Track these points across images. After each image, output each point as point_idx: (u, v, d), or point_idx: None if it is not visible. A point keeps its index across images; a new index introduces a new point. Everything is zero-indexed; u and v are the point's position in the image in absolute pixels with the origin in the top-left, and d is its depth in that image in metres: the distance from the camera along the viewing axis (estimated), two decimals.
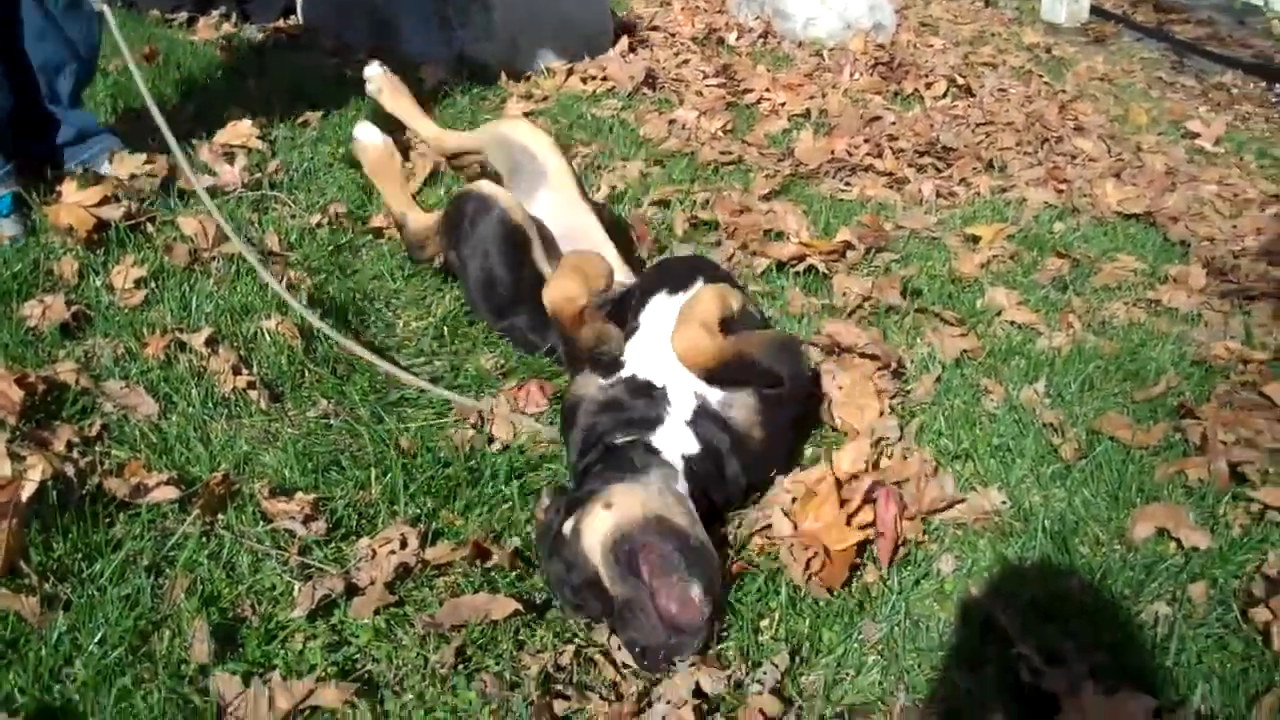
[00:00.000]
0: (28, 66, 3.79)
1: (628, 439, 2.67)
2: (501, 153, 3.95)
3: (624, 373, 2.88)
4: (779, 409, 2.87)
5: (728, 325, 2.84)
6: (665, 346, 2.83)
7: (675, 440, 2.69)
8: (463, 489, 2.73)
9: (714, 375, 2.78)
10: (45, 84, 3.86)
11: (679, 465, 2.62)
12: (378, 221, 4.08)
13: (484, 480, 2.77)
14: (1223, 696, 2.36)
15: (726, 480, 2.73)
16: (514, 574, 2.47)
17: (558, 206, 3.63)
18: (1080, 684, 2.28)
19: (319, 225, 3.98)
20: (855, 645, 2.42)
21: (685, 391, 2.79)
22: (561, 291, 2.91)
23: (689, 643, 2.23)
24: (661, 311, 3.00)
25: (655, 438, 2.68)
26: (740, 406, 2.79)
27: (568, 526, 2.39)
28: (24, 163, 3.78)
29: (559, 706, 2.14)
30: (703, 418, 2.76)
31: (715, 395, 2.79)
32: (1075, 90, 7.76)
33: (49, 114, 3.92)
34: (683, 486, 2.56)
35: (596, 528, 2.32)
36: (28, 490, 2.32)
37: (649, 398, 2.79)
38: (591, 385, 2.88)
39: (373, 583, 2.34)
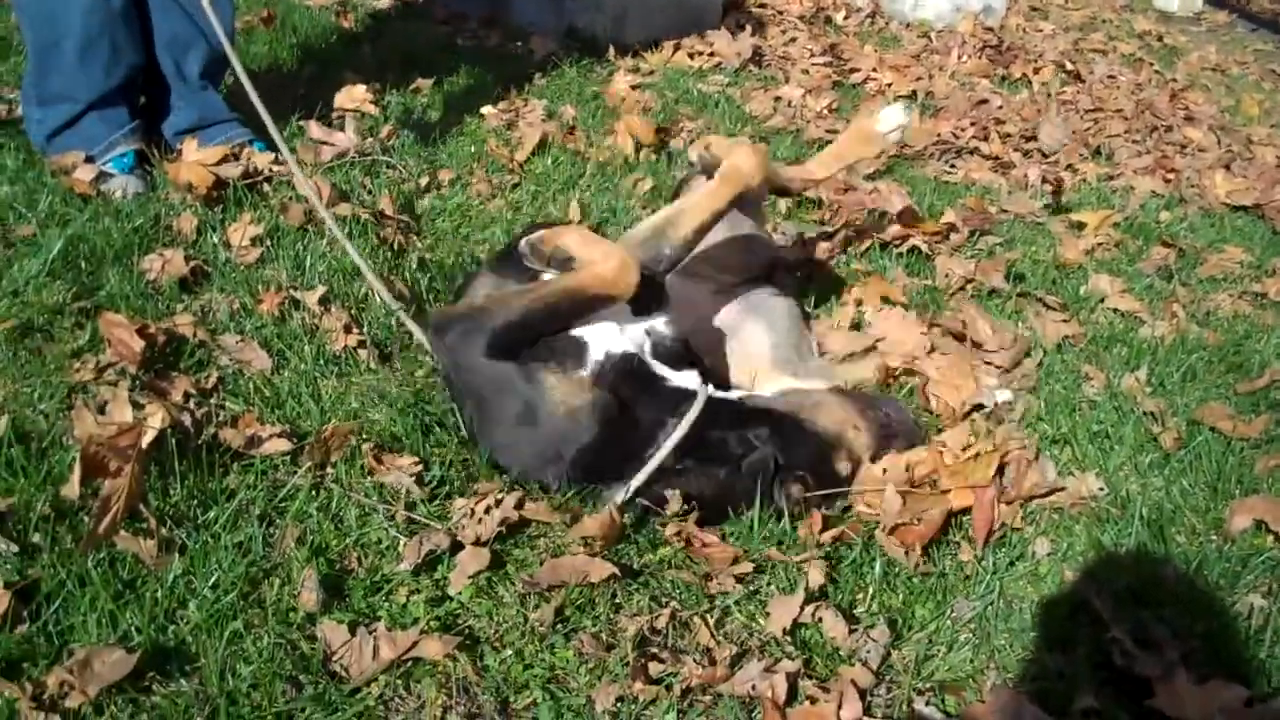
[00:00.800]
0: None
1: None
2: None
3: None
4: None
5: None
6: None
7: None
8: None
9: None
10: (172, 61, 3.89)
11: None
12: (482, 186, 4.13)
13: None
14: None
15: None
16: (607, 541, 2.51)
17: None
18: (1173, 670, 2.28)
19: (427, 189, 4.05)
20: (948, 623, 2.44)
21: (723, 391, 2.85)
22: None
23: None
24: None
25: None
26: None
27: None
28: (149, 122, 3.88)
29: (654, 668, 2.18)
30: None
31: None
32: (1186, 79, 7.66)
33: (166, 91, 3.98)
34: None
35: None
36: (148, 437, 2.40)
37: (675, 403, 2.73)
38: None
39: (477, 540, 2.40)
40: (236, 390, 2.82)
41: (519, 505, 2.50)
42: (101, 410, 2.56)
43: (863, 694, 2.18)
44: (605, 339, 2.64)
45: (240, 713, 1.98)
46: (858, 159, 3.74)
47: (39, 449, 2.46)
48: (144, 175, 3.70)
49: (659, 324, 2.78)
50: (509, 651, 2.20)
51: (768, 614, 2.37)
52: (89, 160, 3.64)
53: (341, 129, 4.32)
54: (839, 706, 2.12)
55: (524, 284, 2.72)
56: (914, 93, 6.15)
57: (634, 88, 5.57)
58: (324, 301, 3.19)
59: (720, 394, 2.77)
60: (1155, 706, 2.22)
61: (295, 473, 2.51)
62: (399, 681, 2.10)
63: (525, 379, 2.56)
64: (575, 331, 2.63)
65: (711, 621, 2.33)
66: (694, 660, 2.22)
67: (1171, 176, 5.43)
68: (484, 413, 2.65)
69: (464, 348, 2.60)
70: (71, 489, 2.29)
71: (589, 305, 2.62)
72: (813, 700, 2.15)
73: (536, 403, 2.55)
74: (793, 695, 2.14)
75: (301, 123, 4.30)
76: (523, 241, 2.73)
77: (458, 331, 2.62)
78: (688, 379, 2.72)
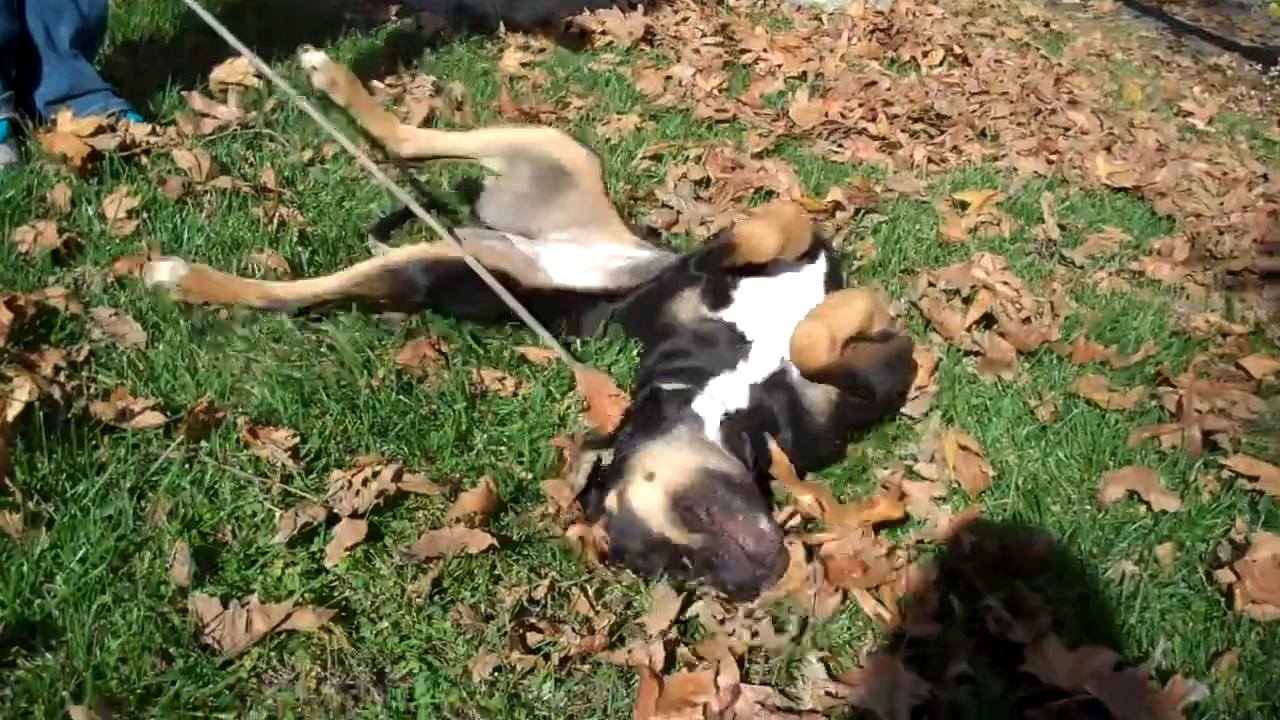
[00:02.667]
0: None
1: (674, 388, 2.72)
2: (516, 163, 3.58)
3: (727, 312, 2.93)
4: (855, 410, 2.89)
5: (853, 339, 2.83)
6: (780, 313, 2.86)
7: (727, 394, 2.72)
8: (437, 431, 2.76)
9: (811, 377, 2.78)
10: (43, 28, 3.78)
11: (714, 418, 2.65)
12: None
13: (452, 421, 2.79)
14: (1183, 654, 2.41)
15: (767, 444, 2.71)
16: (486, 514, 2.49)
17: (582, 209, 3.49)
18: (1044, 636, 2.33)
19: (311, 163, 3.99)
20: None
21: (771, 355, 2.82)
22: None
23: (773, 567, 2.32)
24: (790, 278, 3.04)
25: (704, 391, 2.72)
26: (820, 391, 2.81)
27: (611, 501, 2.44)
28: (22, 93, 3.79)
29: (532, 638, 2.18)
30: (775, 386, 2.79)
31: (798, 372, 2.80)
32: (1071, 64, 7.77)
33: (37, 60, 3.86)
34: (713, 436, 2.60)
35: (646, 497, 2.37)
36: (13, 410, 2.34)
37: (732, 345, 2.84)
38: (689, 306, 2.96)
39: (354, 512, 2.37)
40: (109, 363, 2.77)
41: (397, 477, 2.47)
42: None
43: (740, 660, 2.19)
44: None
45: (108, 686, 1.95)
46: None
47: None
48: (16, 146, 3.60)
49: None
50: (385, 623, 2.19)
51: (647, 582, 2.37)
52: None
53: (224, 102, 4.24)
54: (716, 674, 2.13)
55: None
56: (804, 73, 6.17)
57: (524, 65, 5.54)
58: None
59: None
60: (1027, 671, 2.26)
61: (168, 446, 2.46)
62: (273, 654, 2.08)
63: None
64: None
65: (591, 591, 2.33)
66: (573, 630, 2.22)
67: (1054, 158, 5.51)
68: None
69: None
70: None
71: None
72: (690, 667, 2.16)
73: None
74: (670, 663, 2.15)
75: (183, 94, 4.21)
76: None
77: None
78: None
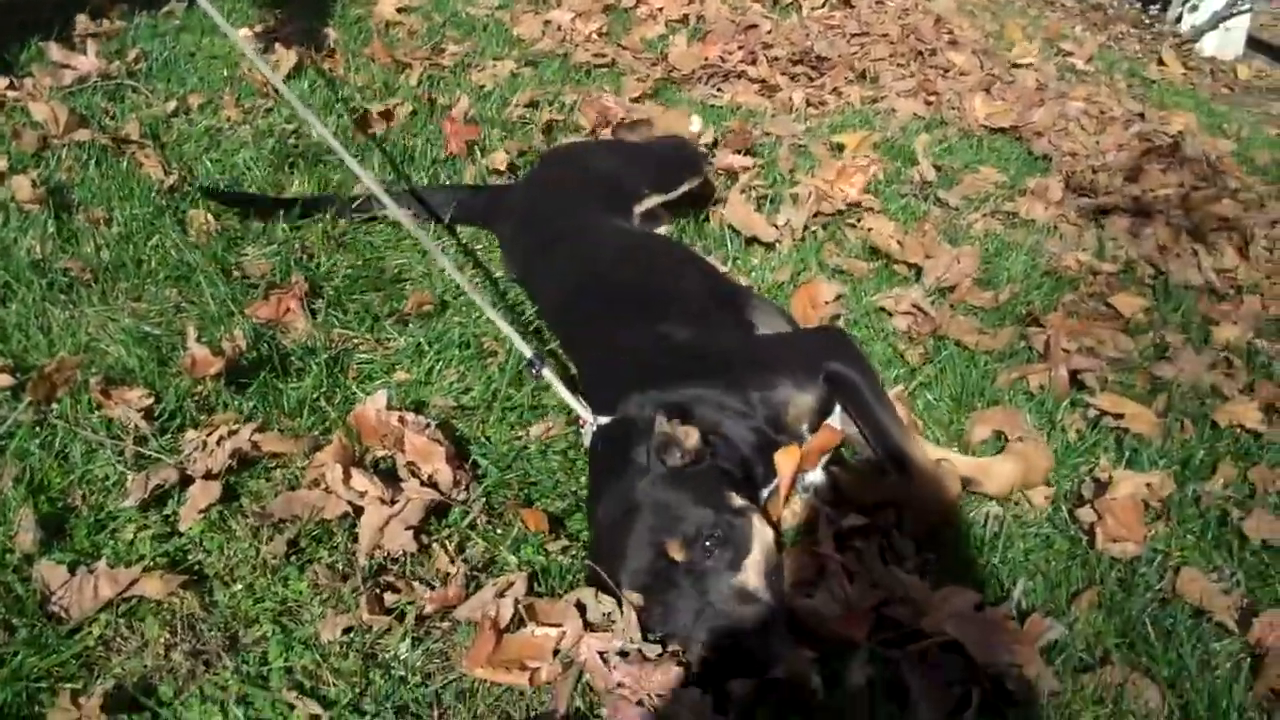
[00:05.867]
0: None
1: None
2: None
3: None
4: None
5: None
6: None
7: None
8: (292, 391, 2.71)
9: None
10: None
11: None
12: (233, 111, 4.00)
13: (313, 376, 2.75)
14: (1044, 593, 2.44)
15: None
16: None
17: None
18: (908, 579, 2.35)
19: (175, 114, 3.90)
20: None
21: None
22: None
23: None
24: None
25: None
26: None
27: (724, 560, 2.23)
28: None
29: (389, 598, 2.15)
30: None
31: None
32: (954, 5, 7.78)
33: None
34: None
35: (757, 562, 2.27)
36: None
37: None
38: None
39: (208, 473, 2.33)
40: None
41: (255, 434, 2.43)
42: None
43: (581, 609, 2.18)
44: None
45: None
46: None
47: None
48: None
49: None
50: (239, 586, 2.15)
51: (508, 539, 2.36)
52: None
53: (84, 52, 4.12)
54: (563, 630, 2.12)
55: None
56: (685, 17, 6.13)
57: (400, 10, 5.45)
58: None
59: None
60: (889, 615, 2.28)
61: (16, 409, 2.40)
62: (121, 620, 2.04)
63: None
64: None
65: (451, 547, 2.30)
66: (429, 585, 2.19)
67: (933, 99, 5.53)
68: None
69: None
70: None
71: None
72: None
73: None
74: (519, 623, 2.12)
75: (41, 44, 4.09)
76: None
77: None
78: None
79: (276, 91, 4.19)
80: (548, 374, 2.61)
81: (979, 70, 6.18)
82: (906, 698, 2.12)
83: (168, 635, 2.02)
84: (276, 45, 4.60)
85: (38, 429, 2.39)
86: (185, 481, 2.31)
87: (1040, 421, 3.05)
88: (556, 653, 2.06)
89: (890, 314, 3.42)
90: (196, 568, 2.17)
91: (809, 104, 5.18)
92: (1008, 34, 7.39)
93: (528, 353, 2.65)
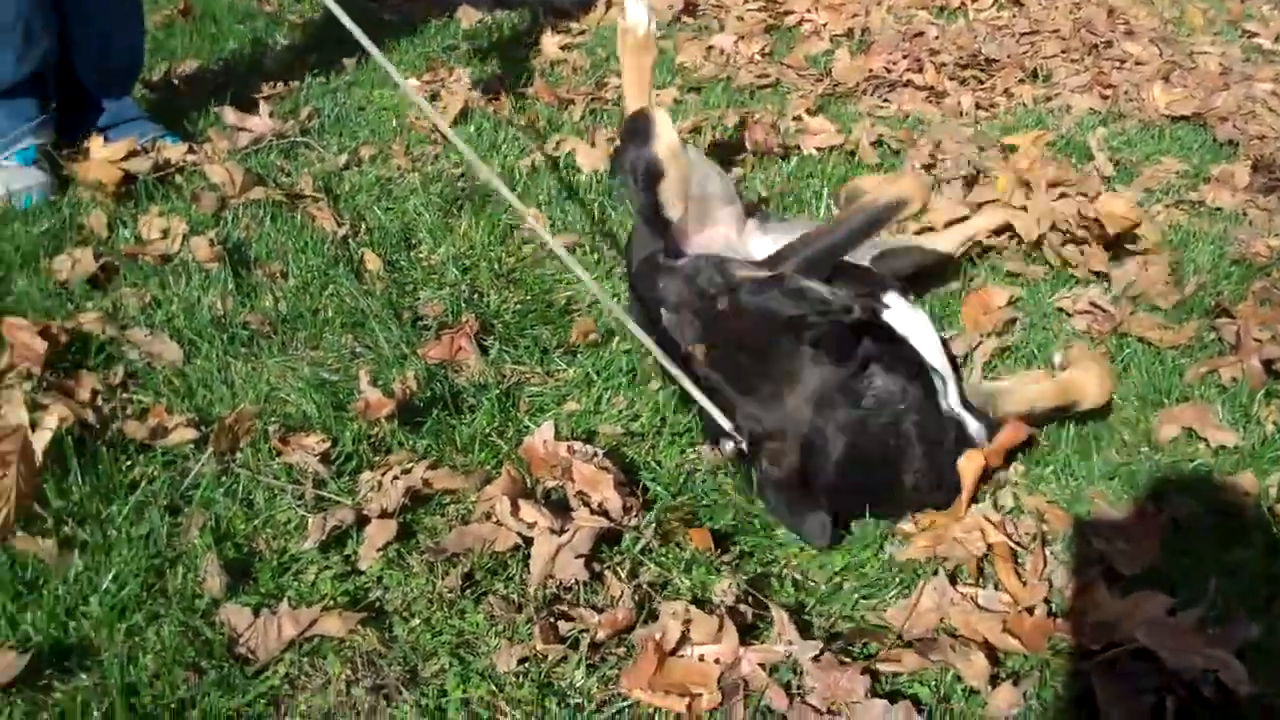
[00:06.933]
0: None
1: None
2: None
3: None
4: None
5: None
6: None
7: None
8: (465, 428, 2.75)
9: None
10: (85, 62, 3.86)
11: None
12: (402, 160, 4.10)
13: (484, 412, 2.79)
14: (1239, 593, 2.34)
15: None
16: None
17: None
18: (1094, 584, 2.28)
19: (346, 167, 4.01)
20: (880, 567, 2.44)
21: None
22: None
23: None
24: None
25: None
26: None
27: None
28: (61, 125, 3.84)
29: (563, 627, 2.16)
30: None
31: None
32: None
33: (85, 90, 3.94)
34: None
35: None
36: (44, 438, 2.37)
37: None
38: None
39: (383, 512, 2.38)
40: (146, 384, 2.80)
41: (428, 472, 2.48)
42: None
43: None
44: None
45: (141, 703, 1.96)
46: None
47: None
48: (50, 172, 3.67)
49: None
50: (417, 620, 2.18)
51: (680, 562, 2.35)
52: None
53: (258, 114, 4.27)
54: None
55: None
56: (849, 30, 6.09)
57: (563, 48, 5.52)
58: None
59: None
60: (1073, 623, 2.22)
61: (201, 460, 2.48)
62: (304, 659, 2.08)
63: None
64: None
65: (624, 572, 2.31)
66: (601, 611, 2.20)
67: (1109, 92, 5.38)
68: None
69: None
70: None
71: (886, 214, 2.85)
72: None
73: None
74: (683, 640, 2.12)
75: (216, 110, 4.25)
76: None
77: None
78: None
79: (444, 137, 4.29)
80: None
81: (1157, 58, 5.99)
82: (1095, 709, 2.06)
83: (349, 672, 2.06)
84: (443, 92, 4.70)
85: (222, 478, 2.47)
86: (362, 521, 2.36)
87: (1235, 416, 2.94)
88: (720, 679, 2.04)
89: (1069, 314, 3.33)
90: (376, 604, 2.22)
91: (979, 107, 5.09)
92: (1188, 19, 7.15)
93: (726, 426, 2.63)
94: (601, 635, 2.14)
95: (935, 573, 2.35)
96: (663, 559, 2.37)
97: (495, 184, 2.93)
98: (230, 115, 4.20)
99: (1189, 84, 5.61)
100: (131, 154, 3.69)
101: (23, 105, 3.67)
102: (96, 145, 3.69)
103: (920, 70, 5.46)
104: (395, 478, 2.44)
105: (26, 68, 3.62)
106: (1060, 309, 3.36)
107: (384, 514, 2.37)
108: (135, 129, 3.92)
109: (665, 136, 3.27)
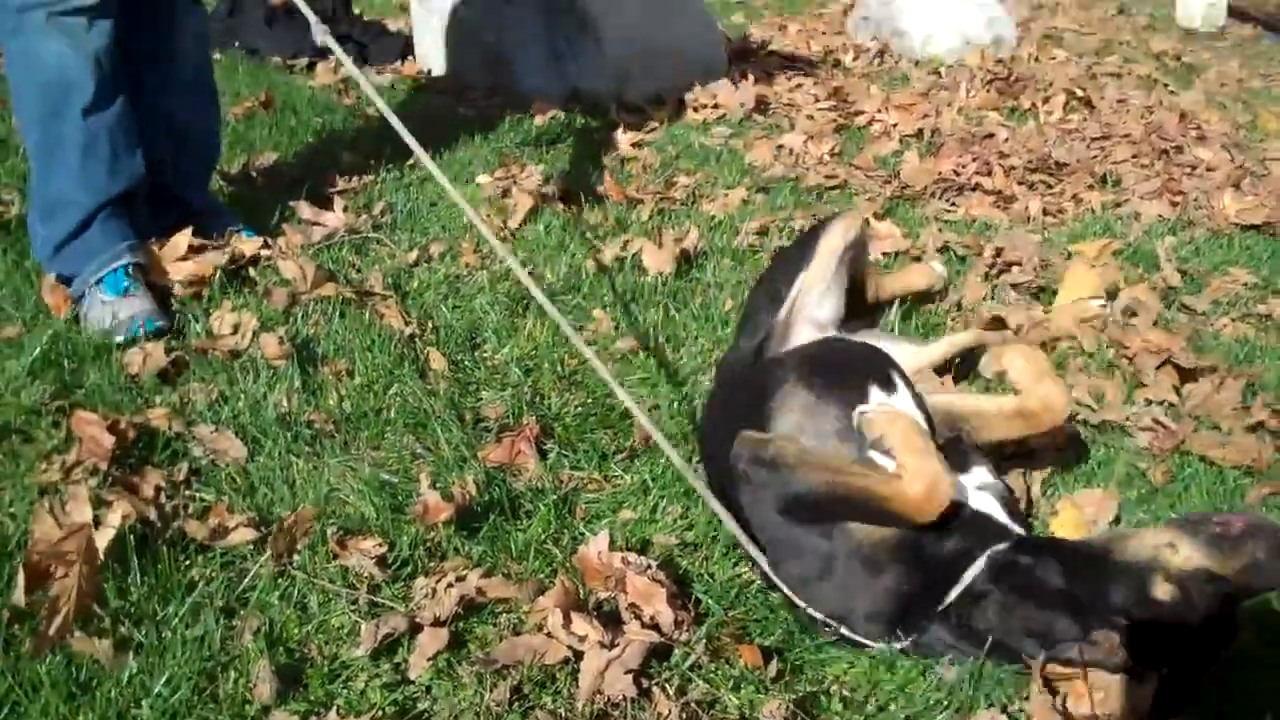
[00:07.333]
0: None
1: None
2: None
3: None
4: None
5: None
6: None
7: None
8: (520, 534, 2.76)
9: None
10: (166, 166, 3.88)
11: None
12: (471, 258, 4.15)
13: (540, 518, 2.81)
14: None
15: None
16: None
17: None
18: None
19: (416, 264, 4.06)
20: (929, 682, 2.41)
21: None
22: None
23: None
24: None
25: None
26: None
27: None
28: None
29: None
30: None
31: None
32: (1202, 98, 7.56)
33: (171, 192, 3.97)
34: None
35: None
36: (106, 536, 2.41)
37: None
38: None
39: (435, 620, 2.39)
40: (209, 481, 2.84)
41: (482, 580, 2.49)
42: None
43: None
44: None
45: None
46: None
47: (4, 553, 2.47)
48: (149, 296, 3.61)
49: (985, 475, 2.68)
50: None
51: (729, 680, 2.34)
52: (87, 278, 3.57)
53: (332, 209, 4.34)
54: None
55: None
56: (920, 131, 6.11)
57: (635, 145, 5.59)
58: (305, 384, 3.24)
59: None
60: None
61: (258, 562, 2.51)
62: None
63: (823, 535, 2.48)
64: None
65: (672, 689, 2.30)
66: None
67: (1179, 199, 5.35)
68: (776, 555, 2.57)
69: (760, 498, 2.55)
70: (18, 595, 2.29)
71: (889, 518, 2.44)
72: None
73: (834, 554, 2.46)
74: None
75: (291, 204, 4.32)
76: (856, 411, 2.60)
77: (758, 478, 2.53)
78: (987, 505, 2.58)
79: (513, 234, 4.35)
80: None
81: (1228, 164, 5.96)
82: None
83: None
84: (514, 189, 4.76)
85: (278, 580, 2.49)
86: (415, 629, 2.37)
87: None
88: None
89: (1129, 433, 3.30)
90: (423, 716, 2.22)
91: (1046, 213, 5.08)
92: (1261, 124, 7.13)
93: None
94: None
95: (989, 704, 2.32)
96: (712, 675, 2.35)
97: (432, 169, 2.95)
98: (305, 210, 4.27)
99: (1260, 192, 5.57)
100: (205, 248, 3.75)
101: (114, 226, 3.64)
102: (182, 241, 3.73)
103: (989, 174, 5.47)
104: (449, 585, 2.45)
105: (119, 184, 3.61)
106: (1122, 426, 3.33)
107: (436, 622, 2.38)
108: (215, 224, 3.98)
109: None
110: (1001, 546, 2.44)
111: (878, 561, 2.43)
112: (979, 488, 2.62)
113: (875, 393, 2.70)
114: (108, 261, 3.55)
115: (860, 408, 2.60)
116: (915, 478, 2.40)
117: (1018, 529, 2.55)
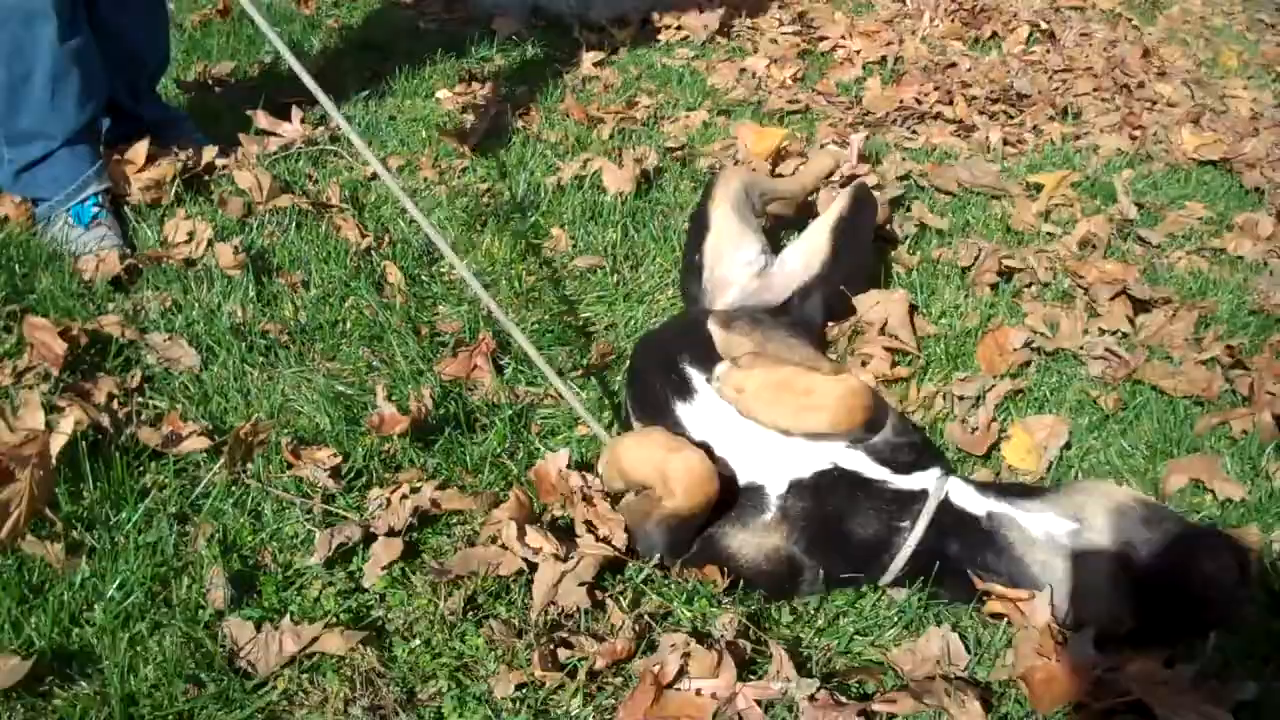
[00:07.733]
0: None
1: None
2: None
3: None
4: None
5: None
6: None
7: None
8: (476, 448, 2.77)
9: None
10: (123, 83, 3.81)
11: None
12: (429, 172, 4.12)
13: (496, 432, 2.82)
14: (1238, 650, 2.34)
15: None
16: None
17: None
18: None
19: (374, 177, 4.02)
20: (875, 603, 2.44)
21: None
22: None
23: None
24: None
25: None
26: None
27: None
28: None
29: (562, 654, 2.17)
30: None
31: None
32: (1165, 34, 7.55)
33: (123, 110, 3.88)
34: None
35: None
36: (59, 441, 2.39)
37: None
38: None
39: (390, 530, 2.39)
40: (162, 389, 2.82)
41: (437, 492, 2.50)
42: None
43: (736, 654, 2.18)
44: (785, 470, 2.45)
45: (140, 713, 1.98)
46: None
47: None
48: (108, 218, 3.52)
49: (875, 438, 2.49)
50: (418, 641, 2.20)
51: (683, 594, 2.36)
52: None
53: (289, 120, 4.28)
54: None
55: None
56: (883, 58, 6.08)
57: (596, 65, 5.52)
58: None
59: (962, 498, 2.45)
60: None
61: (212, 470, 2.50)
62: (303, 676, 2.10)
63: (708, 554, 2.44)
64: (745, 478, 2.47)
65: (625, 602, 2.31)
66: (600, 640, 2.21)
67: (1138, 133, 5.36)
68: None
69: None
70: None
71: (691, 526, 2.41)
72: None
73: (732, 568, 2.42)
74: (681, 673, 2.13)
75: (250, 112, 4.26)
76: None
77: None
78: (917, 480, 2.46)
79: (473, 151, 4.30)
80: None
81: (1189, 100, 5.98)
82: None
83: (348, 690, 2.08)
84: (474, 106, 4.72)
85: (232, 488, 2.49)
86: (369, 538, 2.38)
87: (1243, 469, 2.93)
88: (716, 714, 2.05)
89: (1083, 361, 3.33)
90: (377, 623, 2.24)
91: (1006, 143, 5.07)
92: (1222, 61, 7.13)
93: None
94: (600, 664, 2.15)
95: (939, 622, 2.35)
96: (665, 589, 2.37)
97: (323, 101, 2.92)
98: (262, 119, 4.21)
99: (1218, 128, 5.60)
100: (160, 156, 3.70)
101: (84, 151, 3.55)
102: (139, 153, 3.67)
103: (950, 103, 5.46)
104: (404, 496, 2.46)
105: (87, 114, 3.52)
106: (1075, 354, 3.35)
107: (391, 532, 2.39)
108: (179, 130, 3.93)
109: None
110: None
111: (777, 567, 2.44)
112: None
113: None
114: (75, 193, 3.47)
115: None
116: (673, 485, 2.35)
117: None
